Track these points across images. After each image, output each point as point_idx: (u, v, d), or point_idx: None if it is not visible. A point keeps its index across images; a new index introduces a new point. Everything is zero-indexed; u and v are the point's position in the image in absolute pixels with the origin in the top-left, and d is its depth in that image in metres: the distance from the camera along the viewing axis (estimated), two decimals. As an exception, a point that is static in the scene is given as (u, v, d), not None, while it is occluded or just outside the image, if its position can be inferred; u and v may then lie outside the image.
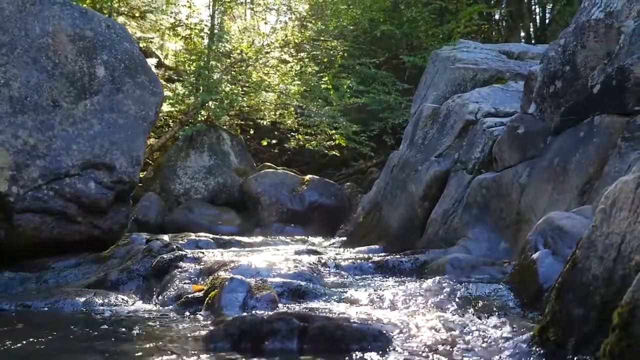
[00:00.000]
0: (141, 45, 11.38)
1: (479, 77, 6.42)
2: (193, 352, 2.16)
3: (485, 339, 2.29)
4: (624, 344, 1.34)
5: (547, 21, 15.44)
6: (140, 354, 2.18)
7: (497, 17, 15.81)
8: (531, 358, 1.91)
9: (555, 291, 1.92)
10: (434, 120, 6.10)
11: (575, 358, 1.72)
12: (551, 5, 15.24)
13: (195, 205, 9.57)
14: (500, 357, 2.00)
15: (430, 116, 6.18)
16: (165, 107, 10.08)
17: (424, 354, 2.12)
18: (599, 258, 1.73)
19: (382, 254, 4.86)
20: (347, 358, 2.05)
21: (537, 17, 15.99)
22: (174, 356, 2.10)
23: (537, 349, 1.92)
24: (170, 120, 11.11)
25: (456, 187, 5.21)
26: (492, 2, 15.97)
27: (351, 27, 13.27)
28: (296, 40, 12.22)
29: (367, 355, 2.08)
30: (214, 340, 2.18)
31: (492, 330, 2.40)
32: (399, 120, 11.19)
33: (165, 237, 5.96)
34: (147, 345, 2.32)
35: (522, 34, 15.75)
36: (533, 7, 16.07)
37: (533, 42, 14.55)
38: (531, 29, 15.80)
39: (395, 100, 11.67)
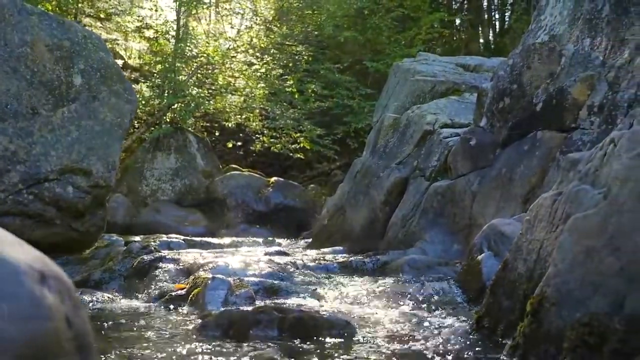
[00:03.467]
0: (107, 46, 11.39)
1: (437, 88, 6.85)
2: (188, 339, 2.50)
3: (435, 328, 2.69)
4: (533, 327, 1.73)
5: (505, 28, 16.10)
6: (140, 342, 2.49)
7: (457, 22, 16.36)
8: (470, 342, 2.32)
9: (490, 287, 2.33)
10: (394, 130, 6.51)
11: (502, 341, 2.12)
12: (509, 13, 15.90)
13: (162, 207, 9.70)
14: (445, 342, 2.39)
15: (392, 125, 6.59)
16: (132, 109, 10.16)
17: (383, 340, 2.50)
18: (523, 260, 2.13)
19: (346, 255, 5.24)
20: (319, 343, 2.42)
21: (497, 24, 16.67)
22: (172, 343, 2.43)
23: (475, 335, 2.33)
24: (136, 122, 11.17)
25: (414, 193, 5.62)
26: (453, 9, 16.55)
27: (316, 33, 13.55)
28: (262, 45, 12.45)
29: (336, 340, 2.46)
30: (206, 330, 2.53)
31: (441, 321, 2.81)
32: (362, 124, 11.53)
33: (137, 239, 6.18)
34: (145, 335, 2.63)
35: (482, 40, 16.40)
36: (492, 13, 16.74)
37: (492, 46, 15.20)
38: (490, 36, 16.47)
39: (359, 104, 12.01)
